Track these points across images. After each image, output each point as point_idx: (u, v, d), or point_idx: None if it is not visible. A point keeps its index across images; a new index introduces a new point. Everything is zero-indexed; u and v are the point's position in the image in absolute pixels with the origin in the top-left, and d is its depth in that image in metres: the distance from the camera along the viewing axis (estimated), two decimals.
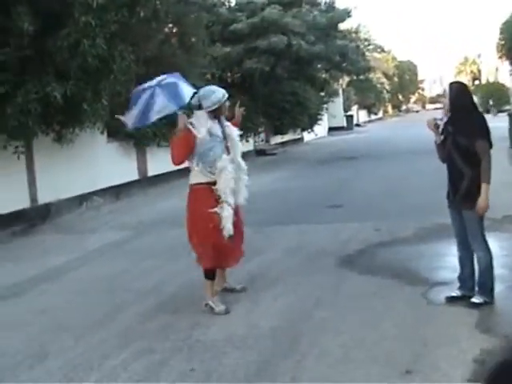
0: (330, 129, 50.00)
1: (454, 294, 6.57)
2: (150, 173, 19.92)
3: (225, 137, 6.98)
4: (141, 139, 18.81)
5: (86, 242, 11.42)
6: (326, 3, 30.64)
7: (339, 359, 5.41)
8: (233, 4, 28.24)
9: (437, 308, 6.54)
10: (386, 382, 4.88)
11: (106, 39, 12.37)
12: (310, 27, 27.14)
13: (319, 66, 30.92)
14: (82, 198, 15.80)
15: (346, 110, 56.52)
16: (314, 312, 6.34)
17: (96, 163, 16.60)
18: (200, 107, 6.91)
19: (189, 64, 16.57)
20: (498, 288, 6.55)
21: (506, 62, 31.81)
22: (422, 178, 15.84)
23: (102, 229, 12.80)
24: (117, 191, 17.38)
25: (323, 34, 28.30)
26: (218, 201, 6.75)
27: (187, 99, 6.91)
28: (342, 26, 31.70)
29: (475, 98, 6.67)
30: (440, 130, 6.52)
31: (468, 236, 6.37)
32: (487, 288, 6.36)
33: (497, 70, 63.18)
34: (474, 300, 6.34)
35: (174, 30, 16.44)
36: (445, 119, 6.51)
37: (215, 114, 6.89)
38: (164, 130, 19.78)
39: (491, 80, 65.24)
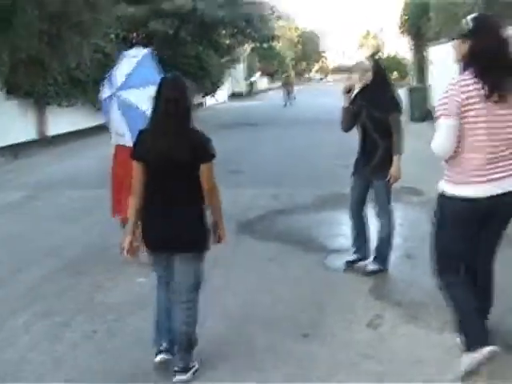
0: (233, 94, 50.06)
1: (351, 259, 6.79)
2: (50, 132, 19.53)
3: None
4: (41, 98, 18.39)
5: None
6: None
7: (237, 320, 5.53)
8: None
9: (333, 274, 6.73)
10: (284, 344, 5.01)
11: None
12: None
13: (224, 31, 30.79)
14: None
15: (249, 77, 56.65)
16: (211, 272, 6.42)
17: None
18: None
19: (93, 22, 16.19)
20: (392, 257, 6.76)
21: (407, 38, 32.41)
22: (320, 148, 16.12)
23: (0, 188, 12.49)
24: (15, 150, 16.94)
25: None
26: None
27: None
28: None
29: None
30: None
31: (375, 205, 6.59)
32: (384, 256, 6.59)
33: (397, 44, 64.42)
34: (370, 267, 6.59)
35: None
36: (356, 91, 6.54)
37: None
38: (65, 90, 19.42)
39: (392, 55, 66.44)
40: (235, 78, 49.00)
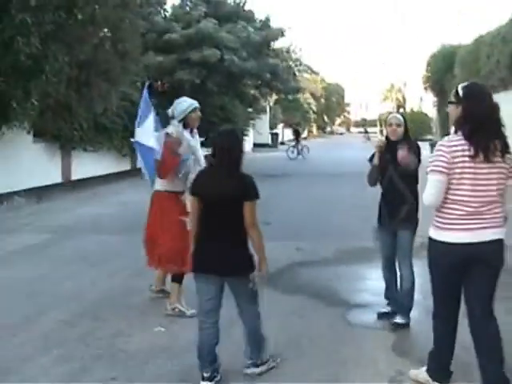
0: (255, 145, 50.35)
1: (384, 310, 6.91)
2: (74, 177, 19.71)
3: (193, 151, 7.12)
4: (67, 142, 18.62)
5: (4, 242, 11.20)
6: (261, 21, 30.89)
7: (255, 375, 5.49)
8: (169, 14, 28.21)
9: (355, 329, 6.70)
10: None
11: (41, 38, 12.24)
12: (243, 43, 27.32)
13: (249, 82, 31.12)
14: (2, 197, 15.51)
15: (271, 128, 57.05)
16: (231, 329, 6.37)
17: (20, 163, 16.31)
18: (174, 117, 7.09)
19: (122, 70, 16.49)
20: (413, 312, 6.74)
21: (430, 93, 32.67)
22: (343, 201, 16.15)
23: (21, 230, 12.57)
24: (39, 193, 17.10)
25: (256, 50, 28.52)
26: (185, 210, 6.61)
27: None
28: (276, 45, 31.99)
29: None
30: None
31: (398, 256, 6.69)
32: (408, 308, 6.66)
33: (421, 99, 64.85)
34: (398, 320, 6.62)
35: (109, 35, 16.30)
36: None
37: (184, 124, 7.05)
38: (90, 135, 19.66)
39: (415, 109, 66.91)
40: (259, 129, 49.32)
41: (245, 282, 5.14)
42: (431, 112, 40.95)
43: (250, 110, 36.25)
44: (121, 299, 7.65)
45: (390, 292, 6.92)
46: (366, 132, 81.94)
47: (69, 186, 19.10)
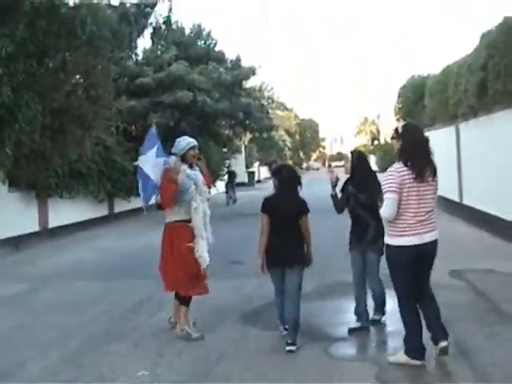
0: None
1: (354, 326, 7.67)
2: (52, 224, 19.60)
3: (195, 182, 7.78)
4: (43, 190, 18.55)
5: None
6: (231, 61, 31.11)
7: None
8: (140, 58, 28.34)
9: (338, 362, 6.71)
10: None
11: (13, 88, 12.27)
12: (215, 84, 27.45)
13: (223, 122, 31.24)
14: None
15: (247, 167, 57.27)
16: (216, 368, 6.34)
17: None
18: (175, 154, 7.79)
19: (95, 116, 16.53)
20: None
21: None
22: (320, 236, 16.02)
23: (0, 281, 12.46)
24: (17, 242, 16.97)
25: (228, 91, 28.67)
26: (193, 236, 7.69)
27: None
28: (247, 84, 32.20)
29: (373, 158, 7.89)
30: (338, 187, 7.88)
31: (368, 273, 7.71)
32: (381, 306, 7.89)
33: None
34: (375, 317, 7.86)
35: (81, 81, 16.36)
36: (343, 180, 7.83)
37: (183, 160, 7.74)
38: (66, 182, 19.61)
39: (389, 140, 67.62)
40: (235, 169, 49.46)
41: (300, 272, 7.23)
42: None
43: (224, 150, 36.35)
44: (103, 345, 7.60)
45: (360, 307, 7.73)
46: (330, 166, 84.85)
47: (46, 233, 18.99)
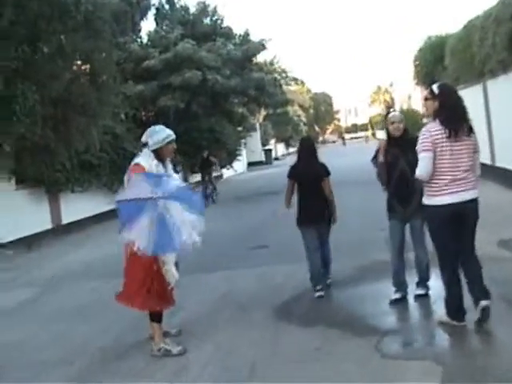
0: (249, 164, 49.59)
1: (395, 297, 7.38)
2: (65, 220, 18.84)
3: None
4: (52, 185, 17.70)
5: None
6: (240, 36, 30.18)
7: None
8: (145, 40, 27.48)
9: (391, 363, 5.67)
10: None
11: (7, 78, 11.33)
12: (224, 61, 26.62)
13: (236, 100, 30.35)
14: None
15: (264, 145, 56.31)
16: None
17: (4, 213, 15.40)
18: (146, 145, 6.63)
19: (100, 103, 15.55)
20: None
21: (418, 89, 31.92)
22: (349, 213, 15.05)
23: (10, 285, 11.63)
24: (29, 241, 16.22)
25: (239, 67, 27.83)
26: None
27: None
28: (258, 58, 31.30)
29: None
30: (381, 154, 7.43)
31: (413, 240, 7.51)
32: (426, 280, 7.48)
33: (409, 97, 64.19)
34: (419, 292, 7.44)
35: (83, 67, 15.43)
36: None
37: (158, 155, 6.59)
38: (76, 175, 18.78)
39: (404, 107, 66.11)
40: (252, 147, 48.49)
41: (328, 227, 8.45)
42: (421, 108, 40.23)
43: (239, 129, 35.50)
44: (113, 362, 6.62)
45: (399, 278, 7.44)
46: (343, 138, 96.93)
47: (60, 230, 18.18)
